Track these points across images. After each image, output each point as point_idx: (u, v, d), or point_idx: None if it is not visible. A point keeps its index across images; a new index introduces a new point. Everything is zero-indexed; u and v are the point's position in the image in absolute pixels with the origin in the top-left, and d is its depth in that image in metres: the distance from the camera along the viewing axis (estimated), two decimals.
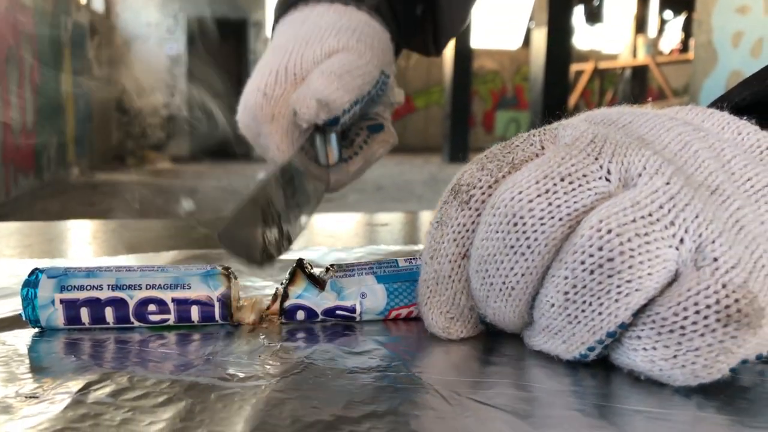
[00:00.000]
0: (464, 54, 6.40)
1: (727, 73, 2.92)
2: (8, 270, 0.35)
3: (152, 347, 0.24)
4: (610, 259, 0.19)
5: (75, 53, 5.05)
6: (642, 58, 5.76)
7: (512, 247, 0.20)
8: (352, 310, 0.27)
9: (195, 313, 0.26)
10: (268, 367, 0.22)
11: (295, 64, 0.34)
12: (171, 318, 0.26)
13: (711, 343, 0.18)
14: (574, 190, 0.20)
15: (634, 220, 0.19)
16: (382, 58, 0.36)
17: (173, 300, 0.26)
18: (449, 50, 6.27)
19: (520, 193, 0.20)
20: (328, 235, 0.51)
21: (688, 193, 0.19)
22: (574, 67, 5.86)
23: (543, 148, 0.23)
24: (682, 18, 7.90)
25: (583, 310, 0.20)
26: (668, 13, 8.12)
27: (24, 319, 0.26)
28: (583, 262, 0.19)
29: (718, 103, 0.24)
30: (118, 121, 6.71)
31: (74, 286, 0.25)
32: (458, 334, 0.24)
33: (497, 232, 0.21)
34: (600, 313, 0.19)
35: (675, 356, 0.19)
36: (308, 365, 0.22)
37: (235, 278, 0.27)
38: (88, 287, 0.25)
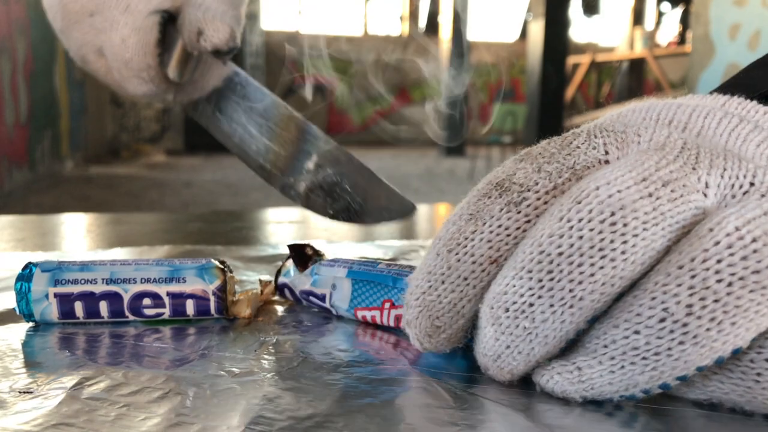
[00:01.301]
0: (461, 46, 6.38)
1: (724, 65, 2.92)
2: (1, 264, 0.35)
3: (147, 342, 0.24)
4: (756, 272, 0.16)
5: None
6: (639, 50, 5.75)
7: (601, 249, 0.17)
8: (322, 298, 0.27)
9: (190, 307, 0.26)
10: (263, 361, 0.22)
11: None
12: (166, 312, 0.26)
13: None
14: (676, 199, 0.18)
15: None
16: None
17: (168, 294, 0.26)
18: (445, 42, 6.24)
19: (620, 191, 0.18)
20: (324, 229, 0.50)
21: None
22: (571, 60, 5.85)
23: (607, 153, 0.20)
24: (679, 10, 7.89)
25: (708, 329, 0.16)
26: (665, 6, 8.12)
27: (18, 313, 0.26)
28: (718, 272, 0.16)
29: (735, 90, 0.22)
30: (112, 113, 6.68)
31: (68, 280, 0.25)
32: (437, 346, 0.21)
33: (581, 230, 0.17)
34: (727, 333, 0.16)
35: None
36: (304, 359, 0.22)
37: (231, 272, 0.27)
38: (83, 281, 0.25)
